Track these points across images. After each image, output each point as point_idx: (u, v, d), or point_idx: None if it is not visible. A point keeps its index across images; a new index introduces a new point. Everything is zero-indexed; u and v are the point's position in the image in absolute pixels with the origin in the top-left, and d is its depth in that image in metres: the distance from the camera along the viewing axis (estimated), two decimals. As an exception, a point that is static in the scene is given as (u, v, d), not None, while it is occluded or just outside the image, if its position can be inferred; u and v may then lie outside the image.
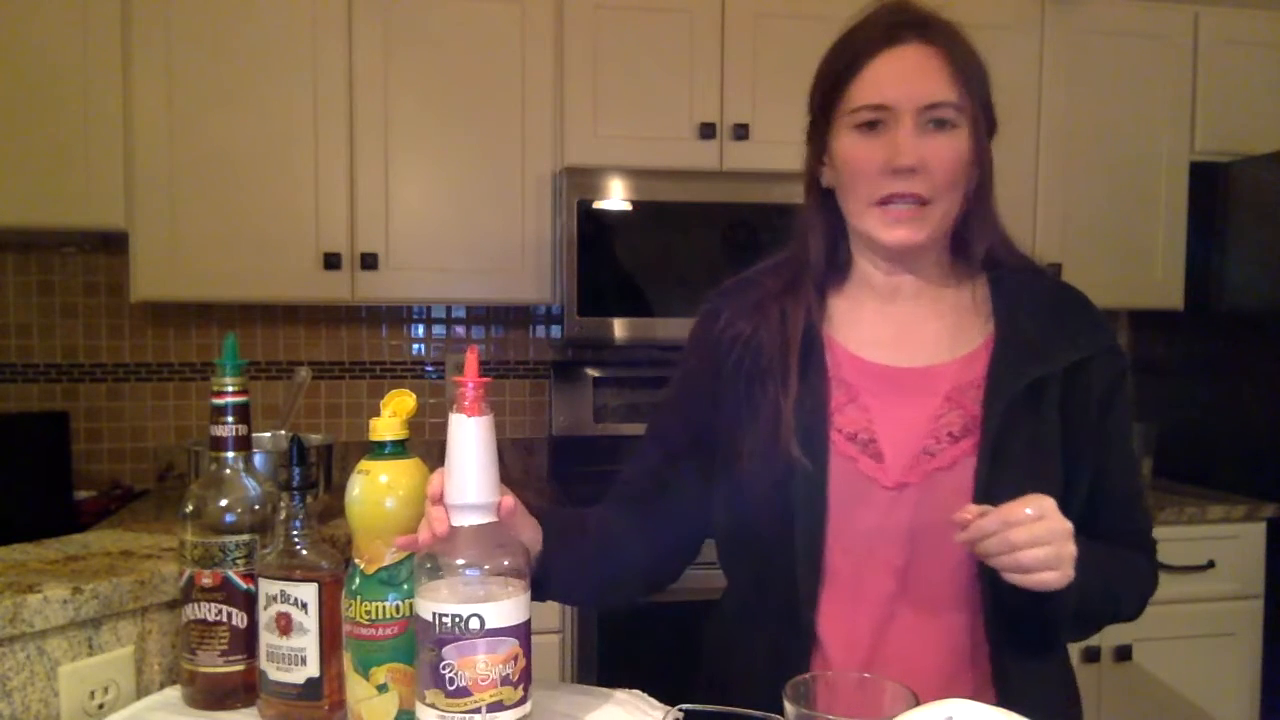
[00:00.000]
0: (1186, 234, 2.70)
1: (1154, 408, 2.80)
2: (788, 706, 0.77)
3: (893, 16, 1.02)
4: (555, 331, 2.80)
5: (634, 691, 1.02)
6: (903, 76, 1.00)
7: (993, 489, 0.97)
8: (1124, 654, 2.39)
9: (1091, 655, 2.36)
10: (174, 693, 1.03)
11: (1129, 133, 2.67)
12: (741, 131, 2.44)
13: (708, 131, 2.44)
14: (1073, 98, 2.63)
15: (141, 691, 1.05)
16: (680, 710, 0.93)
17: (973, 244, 1.07)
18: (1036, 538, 0.88)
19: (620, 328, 2.39)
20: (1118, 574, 1.04)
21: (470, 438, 0.81)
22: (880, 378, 1.06)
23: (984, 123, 1.03)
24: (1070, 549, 0.90)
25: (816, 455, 1.03)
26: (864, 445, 1.03)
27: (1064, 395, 1.02)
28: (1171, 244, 2.70)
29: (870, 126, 1.01)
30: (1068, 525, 0.90)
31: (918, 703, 0.75)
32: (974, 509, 0.91)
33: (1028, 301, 1.06)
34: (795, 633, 1.03)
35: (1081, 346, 1.04)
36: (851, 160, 1.03)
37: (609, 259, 2.39)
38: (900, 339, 1.08)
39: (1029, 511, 0.88)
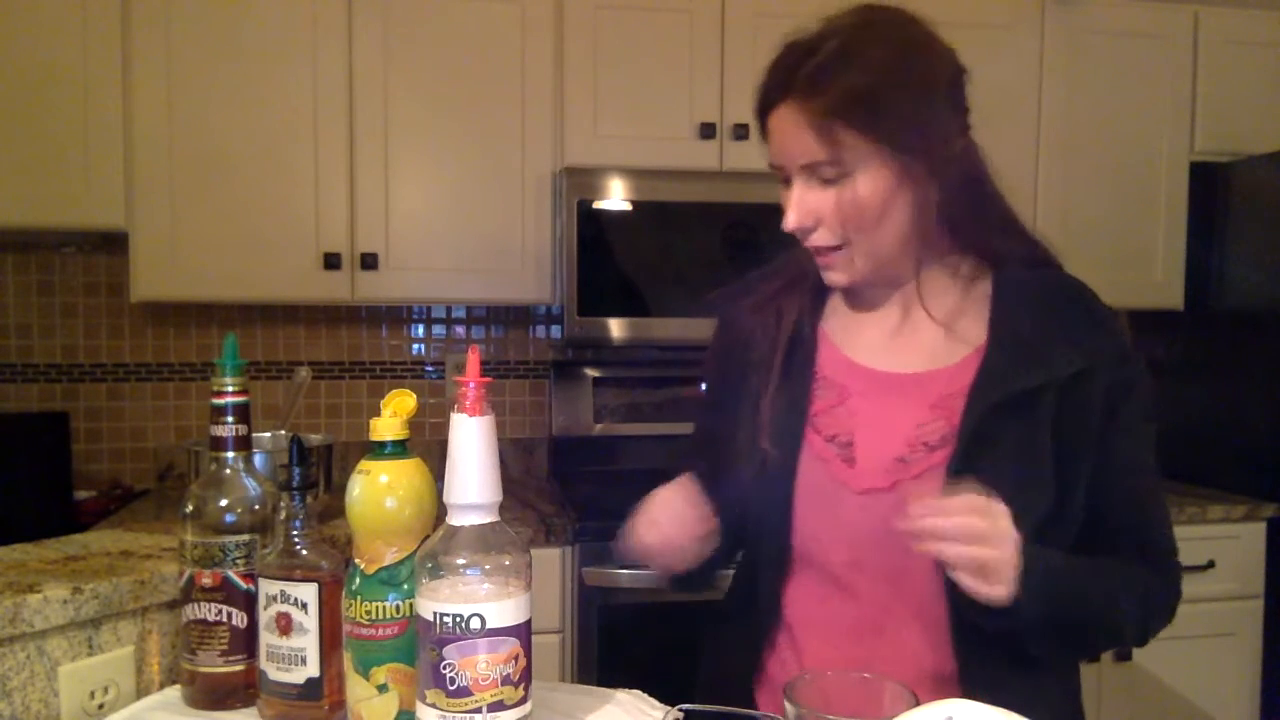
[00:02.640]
0: (1186, 234, 2.71)
1: (1154, 408, 2.80)
2: (788, 706, 0.77)
3: (769, 78, 1.00)
4: (555, 331, 2.80)
5: (634, 691, 1.02)
6: (782, 139, 0.99)
7: None
8: (1124, 654, 2.39)
9: (1094, 656, 2.36)
10: (174, 693, 1.02)
11: (1129, 133, 2.68)
12: (741, 131, 2.44)
13: (708, 131, 2.44)
14: (1073, 98, 2.63)
15: (141, 691, 1.05)
16: (680, 710, 0.93)
17: (967, 246, 1.05)
18: (989, 534, 0.87)
19: (620, 328, 2.39)
20: (1109, 590, 0.99)
21: (471, 437, 0.81)
22: (871, 382, 1.05)
23: (907, 143, 0.96)
24: (1016, 561, 0.88)
25: (787, 453, 1.03)
26: (841, 448, 1.03)
27: (1060, 404, 0.98)
28: (1171, 244, 2.70)
29: (784, 180, 1.02)
30: (1017, 535, 0.89)
31: (918, 703, 0.75)
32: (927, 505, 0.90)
33: (1030, 303, 1.02)
34: (766, 624, 1.07)
35: (1081, 356, 0.98)
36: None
37: (609, 259, 2.39)
38: (897, 343, 1.07)
39: (991, 510, 0.88)
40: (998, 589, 0.88)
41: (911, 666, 1.01)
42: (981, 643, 0.97)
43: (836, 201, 0.98)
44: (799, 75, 0.96)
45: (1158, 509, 1.07)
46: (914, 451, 1.00)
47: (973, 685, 0.97)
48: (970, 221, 1.03)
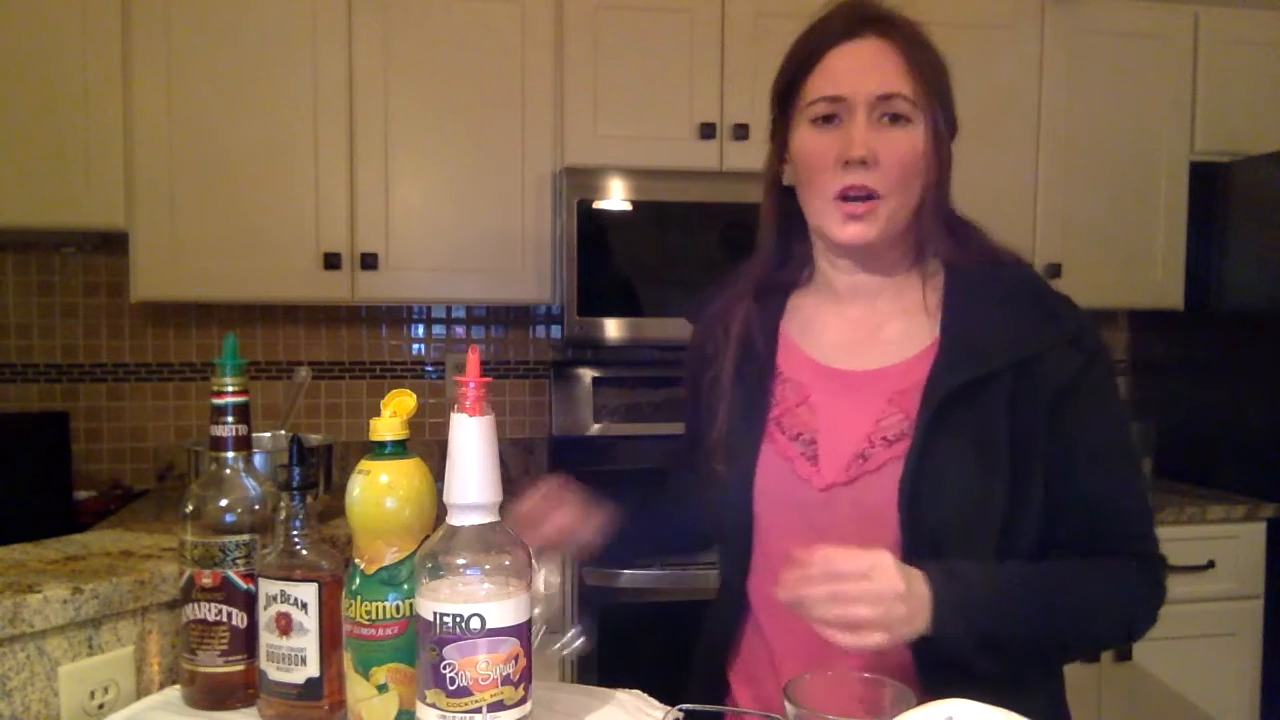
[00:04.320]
0: (1186, 234, 2.71)
1: (1154, 408, 2.80)
2: (788, 706, 0.77)
3: (851, 12, 1.03)
4: (555, 331, 2.80)
5: (634, 691, 1.02)
6: (857, 68, 1.01)
7: (919, 493, 0.97)
8: (1124, 654, 2.39)
9: (1091, 655, 2.36)
10: (174, 693, 1.02)
11: (1129, 133, 2.67)
12: (741, 131, 2.44)
13: (708, 131, 2.44)
14: (1073, 98, 2.63)
15: (141, 691, 1.05)
16: (680, 710, 0.93)
17: (927, 241, 1.06)
18: (861, 595, 0.87)
19: (620, 328, 2.39)
20: (1057, 601, 0.97)
21: (472, 437, 0.81)
22: (831, 380, 1.07)
23: (943, 120, 1.03)
24: (899, 610, 0.87)
25: (748, 454, 1.06)
26: (805, 446, 1.05)
27: (1012, 393, 0.98)
28: (1171, 244, 2.70)
29: (827, 120, 1.02)
30: (898, 586, 0.87)
31: (918, 702, 0.75)
32: (805, 556, 0.89)
33: (981, 297, 1.03)
34: (735, 618, 1.11)
35: (1026, 343, 0.99)
36: (807, 153, 1.03)
37: (609, 259, 2.39)
38: (856, 341, 1.08)
39: (857, 567, 0.87)
40: (869, 639, 0.87)
41: (871, 659, 0.99)
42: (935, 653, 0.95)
43: (895, 144, 1.00)
44: (893, 16, 1.02)
45: (1132, 499, 1.04)
46: (873, 446, 1.01)
47: (930, 678, 0.95)
48: (933, 218, 1.05)
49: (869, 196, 1.00)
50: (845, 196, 1.01)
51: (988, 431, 0.98)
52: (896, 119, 1.00)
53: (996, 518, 0.97)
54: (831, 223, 1.03)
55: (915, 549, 0.96)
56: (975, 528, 0.97)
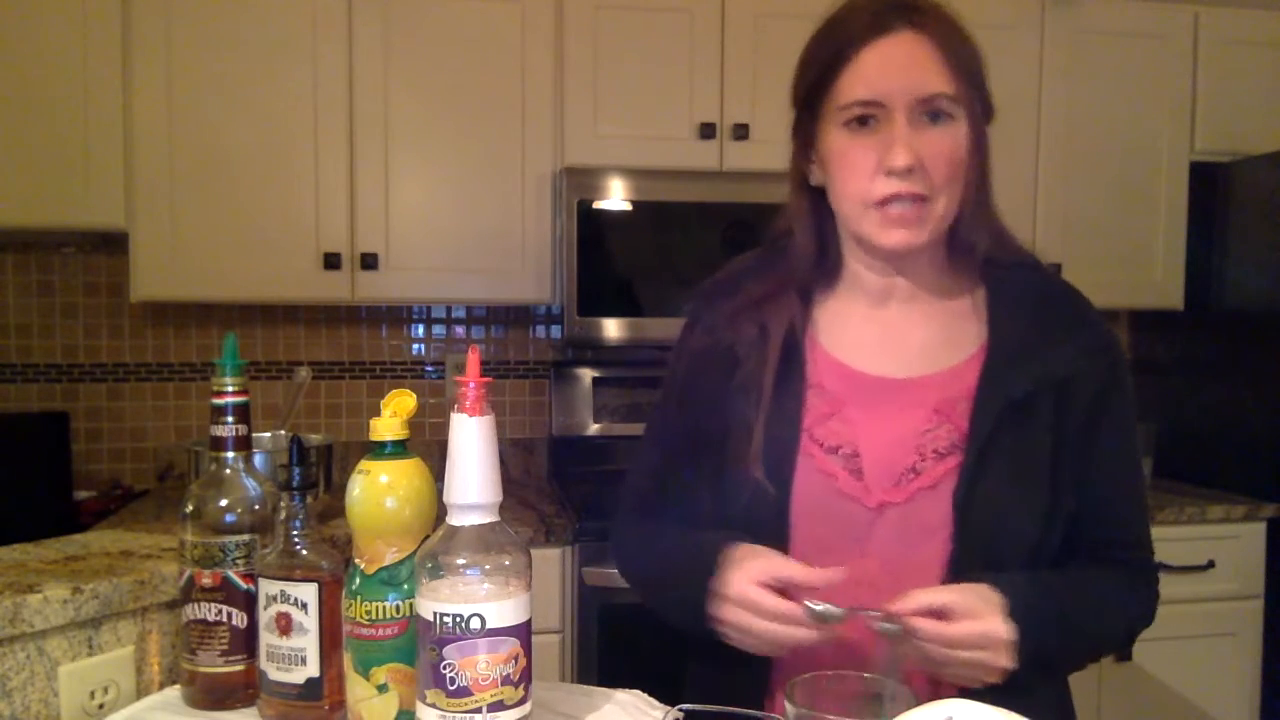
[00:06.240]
0: (1186, 234, 2.71)
1: (1154, 408, 2.80)
2: (788, 706, 0.77)
3: (879, 2, 0.96)
4: (555, 331, 2.80)
5: (634, 691, 1.02)
6: (895, 68, 0.94)
7: (972, 509, 0.95)
8: (1124, 654, 2.39)
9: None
10: (174, 693, 1.02)
11: (1129, 133, 2.67)
12: (741, 131, 2.44)
13: (708, 131, 2.44)
14: (1073, 98, 2.63)
15: (141, 691, 1.05)
16: (680, 710, 0.93)
17: (971, 241, 1.01)
18: (973, 665, 0.89)
19: (620, 328, 2.39)
20: (1087, 610, 0.97)
21: (472, 437, 0.81)
22: (867, 388, 1.02)
23: (981, 110, 0.98)
24: (993, 679, 0.90)
25: (784, 468, 1.00)
26: (846, 460, 0.99)
27: (1056, 405, 0.97)
28: (1171, 244, 2.70)
29: (861, 123, 0.95)
30: (1005, 665, 0.89)
31: (918, 703, 0.75)
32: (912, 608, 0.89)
33: (1022, 305, 1.01)
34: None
35: (1073, 357, 0.98)
36: (844, 161, 0.97)
37: (609, 259, 2.39)
38: (890, 346, 1.03)
39: (971, 637, 0.88)
40: (992, 679, 0.90)
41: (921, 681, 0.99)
42: None
43: (938, 144, 0.94)
44: (928, 9, 0.96)
45: (1139, 508, 1.05)
46: (924, 459, 0.97)
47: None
48: (977, 217, 1.01)
49: (917, 200, 0.95)
50: (889, 202, 0.95)
51: (1033, 443, 0.96)
52: (937, 116, 0.95)
53: (1037, 529, 0.96)
54: (873, 229, 0.97)
55: (965, 564, 0.94)
56: (1020, 540, 0.95)
